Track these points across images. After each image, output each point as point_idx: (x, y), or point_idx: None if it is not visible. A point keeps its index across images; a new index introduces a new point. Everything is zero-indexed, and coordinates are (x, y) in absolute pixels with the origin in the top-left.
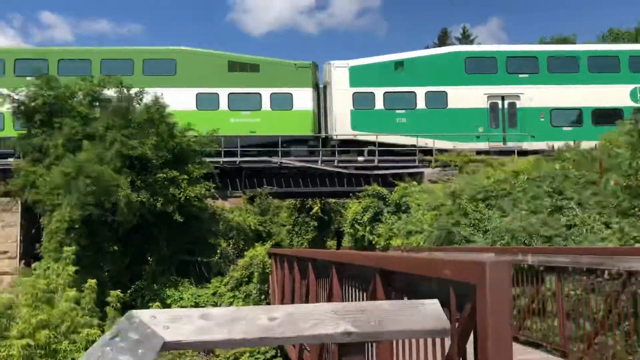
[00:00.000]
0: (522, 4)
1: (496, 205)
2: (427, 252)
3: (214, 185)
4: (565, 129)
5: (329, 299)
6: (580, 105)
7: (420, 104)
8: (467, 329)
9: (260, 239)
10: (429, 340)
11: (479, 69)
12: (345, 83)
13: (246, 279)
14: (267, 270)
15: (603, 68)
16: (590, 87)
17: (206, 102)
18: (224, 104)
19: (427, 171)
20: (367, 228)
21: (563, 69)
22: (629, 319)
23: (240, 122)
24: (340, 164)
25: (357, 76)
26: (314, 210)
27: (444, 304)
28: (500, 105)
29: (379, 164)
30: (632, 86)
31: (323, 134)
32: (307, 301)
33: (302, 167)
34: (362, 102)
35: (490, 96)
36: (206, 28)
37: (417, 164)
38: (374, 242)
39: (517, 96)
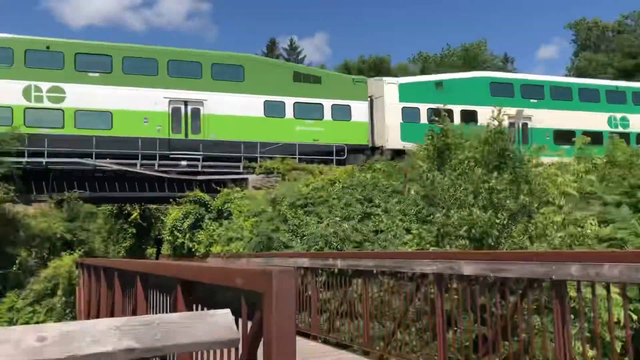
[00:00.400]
0: (346, 22)
1: (313, 212)
2: (246, 259)
3: (13, 187)
4: (563, 146)
5: (134, 311)
6: (574, 128)
7: (457, 120)
8: (257, 336)
9: (69, 248)
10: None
11: (500, 92)
12: (396, 98)
13: (49, 292)
14: (74, 282)
15: (589, 98)
16: (581, 113)
17: (273, 110)
18: (289, 112)
19: (251, 177)
20: (187, 235)
21: (561, 97)
22: (422, 317)
23: (305, 130)
24: (161, 168)
25: (405, 92)
26: (133, 216)
27: (239, 313)
28: (515, 126)
29: (203, 169)
30: (608, 114)
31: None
32: (112, 314)
33: (120, 171)
34: (409, 116)
35: (509, 117)
36: (17, 16)
37: (241, 170)
38: (193, 250)
39: (528, 117)
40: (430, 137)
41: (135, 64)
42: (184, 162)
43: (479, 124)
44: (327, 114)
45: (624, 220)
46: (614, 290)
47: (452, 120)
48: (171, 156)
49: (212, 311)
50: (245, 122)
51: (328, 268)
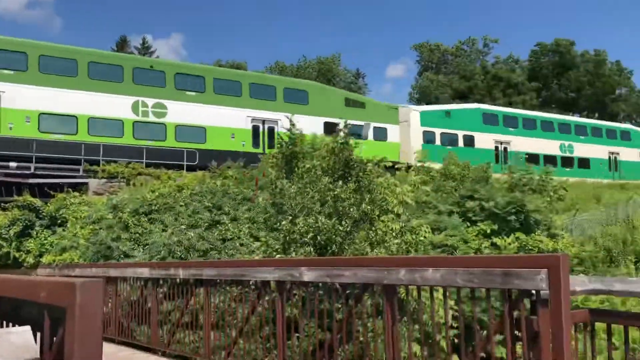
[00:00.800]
0: (203, 25)
1: (159, 220)
2: (79, 270)
3: None
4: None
5: None
6: (538, 152)
7: (460, 143)
8: (59, 356)
9: None
10: None
11: (489, 121)
12: (418, 123)
13: None
14: None
15: (547, 129)
16: (542, 140)
17: (331, 130)
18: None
19: (92, 182)
20: (14, 244)
21: (530, 127)
22: (267, 324)
23: (355, 148)
24: None
25: (424, 119)
26: None
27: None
28: (501, 149)
29: (36, 172)
30: (560, 142)
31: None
32: None
33: None
34: (428, 139)
35: (496, 141)
36: None
37: (81, 174)
38: (21, 260)
39: (508, 143)
40: (279, 145)
41: (223, 85)
42: (13, 164)
43: (475, 147)
44: (370, 135)
45: (454, 228)
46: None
47: (457, 144)
48: None
49: (9, 329)
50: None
51: (170, 278)
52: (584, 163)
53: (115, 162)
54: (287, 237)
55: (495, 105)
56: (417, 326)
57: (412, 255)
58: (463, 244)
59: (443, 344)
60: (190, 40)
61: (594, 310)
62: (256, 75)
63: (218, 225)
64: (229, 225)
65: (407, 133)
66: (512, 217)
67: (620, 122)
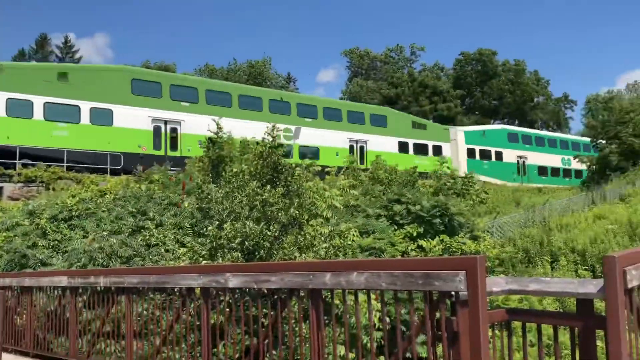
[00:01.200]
0: (129, 25)
1: (79, 226)
2: None
3: None
4: (543, 177)
5: None
6: (547, 165)
7: (493, 157)
8: None
9: None
10: None
11: (512, 139)
12: (463, 141)
13: None
14: None
15: (552, 145)
16: (549, 155)
17: (403, 148)
18: (411, 150)
19: (7, 186)
20: None
21: (540, 144)
22: (193, 332)
23: (420, 163)
24: None
25: (467, 137)
26: None
27: None
28: (520, 162)
29: None
30: (561, 156)
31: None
32: None
33: None
34: (470, 154)
35: (518, 156)
36: None
37: None
38: None
39: (526, 157)
40: (205, 149)
41: (330, 113)
42: None
43: (503, 161)
44: (430, 152)
45: (382, 231)
46: (372, 296)
47: (490, 158)
48: None
49: None
50: (386, 156)
51: (91, 286)
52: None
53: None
54: (214, 243)
55: (422, 110)
56: (343, 329)
57: (337, 260)
58: (390, 246)
59: (369, 346)
60: (116, 40)
61: (511, 309)
62: (352, 104)
63: (142, 231)
64: (154, 230)
65: (455, 149)
66: (437, 220)
67: (538, 129)
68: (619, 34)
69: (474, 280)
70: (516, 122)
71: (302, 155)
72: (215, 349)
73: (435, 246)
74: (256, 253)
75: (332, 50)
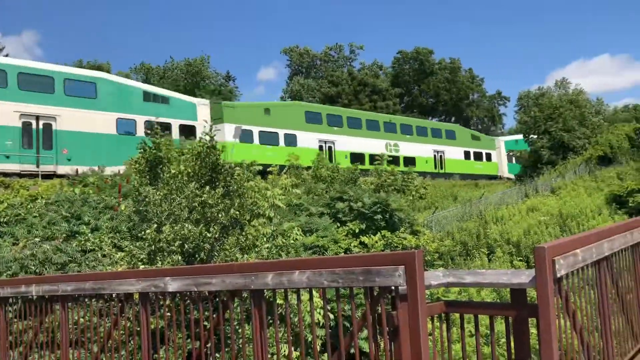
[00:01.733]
0: (60, 23)
1: (8, 232)
2: None
3: None
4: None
5: None
6: None
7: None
8: None
9: None
10: None
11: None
12: (504, 149)
13: None
14: None
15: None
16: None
17: (467, 156)
18: (472, 157)
19: None
20: None
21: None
22: (129, 339)
23: (478, 167)
24: None
25: (507, 145)
26: None
27: None
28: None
29: None
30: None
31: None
32: None
33: None
34: (510, 159)
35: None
36: None
37: None
38: None
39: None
40: (142, 149)
41: (419, 130)
42: None
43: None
44: (484, 158)
45: (325, 229)
46: (315, 294)
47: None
48: None
49: None
50: (457, 162)
51: (22, 296)
52: None
53: None
54: (153, 246)
55: (362, 108)
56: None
57: (279, 260)
58: (333, 244)
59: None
60: (46, 38)
61: (449, 302)
62: (434, 123)
63: (77, 236)
64: (90, 235)
65: (499, 156)
66: (379, 216)
67: (472, 126)
68: (550, 31)
69: (412, 275)
70: (452, 119)
71: (406, 163)
72: (156, 355)
73: (377, 242)
74: (197, 255)
75: (272, 48)
